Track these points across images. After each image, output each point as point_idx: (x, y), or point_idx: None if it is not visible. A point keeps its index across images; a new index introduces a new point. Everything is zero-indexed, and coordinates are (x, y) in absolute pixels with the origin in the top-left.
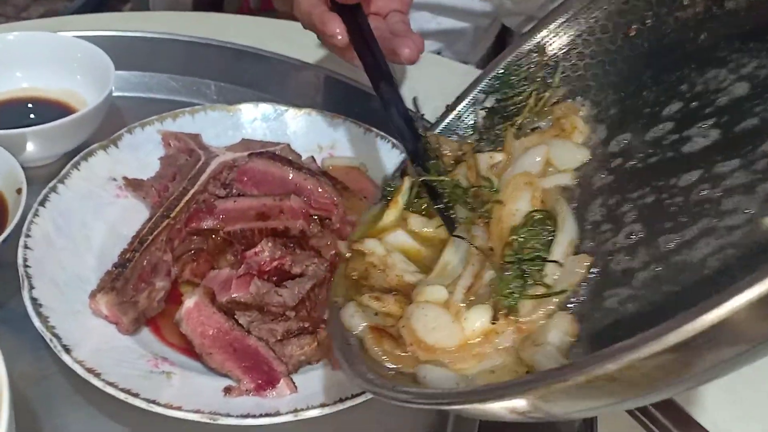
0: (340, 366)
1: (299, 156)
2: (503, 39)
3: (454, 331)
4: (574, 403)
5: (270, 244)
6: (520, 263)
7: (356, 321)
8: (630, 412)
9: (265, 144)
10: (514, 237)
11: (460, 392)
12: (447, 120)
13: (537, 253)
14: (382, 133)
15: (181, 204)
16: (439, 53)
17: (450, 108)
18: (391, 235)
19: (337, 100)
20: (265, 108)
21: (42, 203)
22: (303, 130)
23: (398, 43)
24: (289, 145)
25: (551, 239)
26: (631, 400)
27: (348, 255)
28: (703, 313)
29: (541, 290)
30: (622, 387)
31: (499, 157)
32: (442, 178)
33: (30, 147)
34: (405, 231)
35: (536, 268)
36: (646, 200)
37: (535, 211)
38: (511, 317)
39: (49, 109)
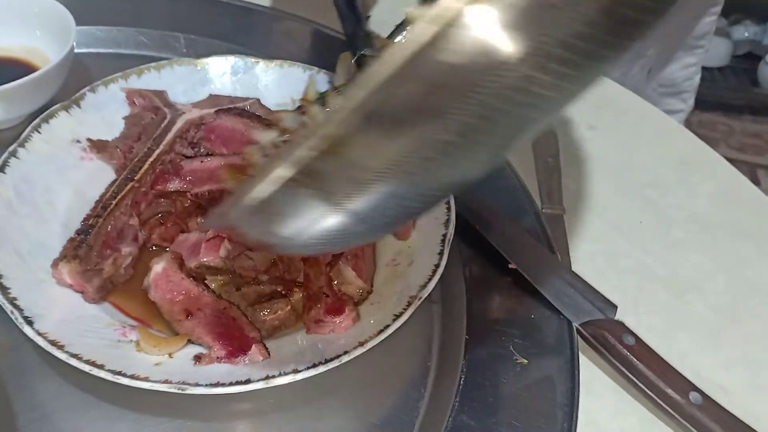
0: None
1: (270, 111)
2: None
3: None
4: None
5: None
6: None
7: None
8: (609, 362)
9: (233, 99)
10: None
11: None
12: None
13: None
14: None
15: (146, 165)
16: None
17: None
18: None
19: (311, 51)
20: (234, 60)
21: (2, 169)
22: (275, 83)
23: None
24: (259, 100)
25: None
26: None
27: None
28: None
29: None
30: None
31: None
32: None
33: None
34: None
35: None
36: None
37: None
38: None
39: (10, 69)
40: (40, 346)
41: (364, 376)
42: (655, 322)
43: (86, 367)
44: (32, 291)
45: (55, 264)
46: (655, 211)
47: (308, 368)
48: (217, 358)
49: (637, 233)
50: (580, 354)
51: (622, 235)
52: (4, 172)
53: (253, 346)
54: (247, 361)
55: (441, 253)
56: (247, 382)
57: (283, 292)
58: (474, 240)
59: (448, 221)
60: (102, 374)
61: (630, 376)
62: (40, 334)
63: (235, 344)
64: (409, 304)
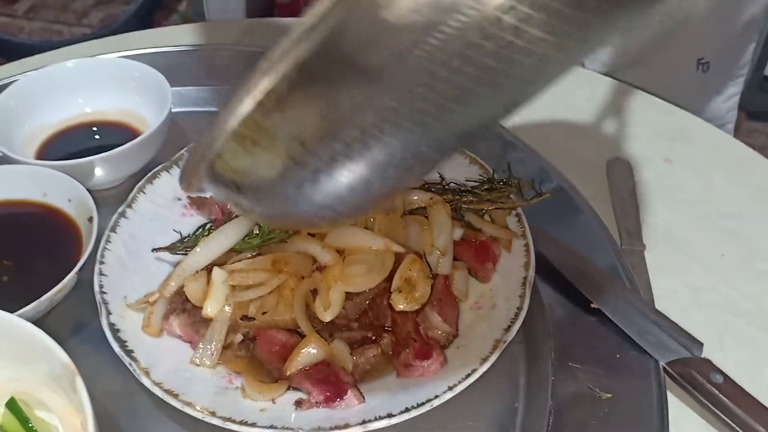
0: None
1: None
2: None
3: None
4: None
5: None
6: None
7: None
8: (698, 401)
9: None
10: None
11: None
12: None
13: None
14: None
15: None
16: None
17: None
18: None
19: None
20: None
21: (113, 229)
22: None
23: None
24: None
25: None
26: None
27: None
28: None
29: None
30: None
31: None
32: None
33: (98, 173)
34: None
35: None
36: None
37: None
38: None
39: (112, 132)
40: (151, 393)
41: (454, 418)
42: (742, 358)
43: (199, 415)
44: (146, 343)
45: (165, 317)
46: (736, 243)
47: (401, 413)
48: (316, 402)
49: (719, 266)
50: (668, 392)
51: (704, 269)
52: (115, 232)
53: (349, 391)
54: (344, 406)
55: (522, 296)
56: (346, 426)
57: (373, 338)
58: (555, 280)
59: (527, 264)
60: (214, 421)
61: (719, 414)
62: (156, 383)
63: (332, 389)
64: (495, 347)
